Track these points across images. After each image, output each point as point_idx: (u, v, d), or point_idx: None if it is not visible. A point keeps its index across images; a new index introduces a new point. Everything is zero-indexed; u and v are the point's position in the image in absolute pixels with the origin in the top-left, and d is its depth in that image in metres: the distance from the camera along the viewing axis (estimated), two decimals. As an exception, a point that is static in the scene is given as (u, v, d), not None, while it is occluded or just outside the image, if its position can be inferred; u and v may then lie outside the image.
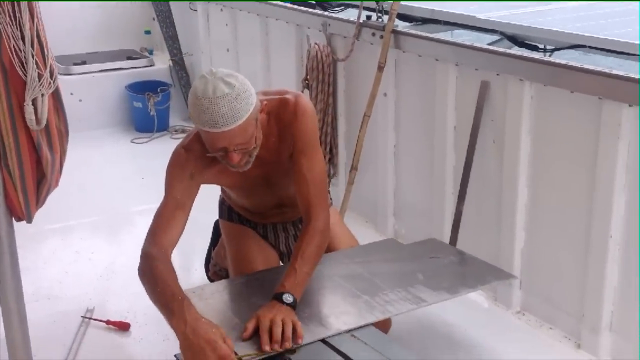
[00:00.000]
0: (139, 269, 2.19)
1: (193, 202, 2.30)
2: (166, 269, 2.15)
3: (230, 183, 2.50)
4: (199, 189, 2.32)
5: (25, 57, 1.89)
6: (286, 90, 2.39)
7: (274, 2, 4.65)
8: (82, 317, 3.11)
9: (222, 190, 2.76)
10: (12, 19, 1.85)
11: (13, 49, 1.87)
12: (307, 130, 2.34)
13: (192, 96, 2.08)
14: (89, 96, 5.62)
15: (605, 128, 2.68)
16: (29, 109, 1.94)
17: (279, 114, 2.30)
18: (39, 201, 2.13)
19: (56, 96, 2.07)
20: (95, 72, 5.73)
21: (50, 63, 1.96)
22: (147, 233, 2.26)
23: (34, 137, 2.00)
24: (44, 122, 1.98)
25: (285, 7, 4.53)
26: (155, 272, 2.13)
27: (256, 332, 2.05)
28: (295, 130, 2.31)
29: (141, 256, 2.21)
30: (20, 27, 1.86)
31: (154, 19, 6.06)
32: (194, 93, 2.08)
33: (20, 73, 1.90)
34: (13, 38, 1.86)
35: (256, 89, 2.21)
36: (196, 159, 2.26)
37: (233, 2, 5.02)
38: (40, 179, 2.09)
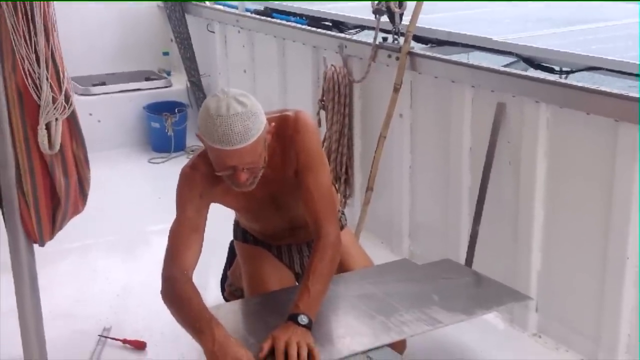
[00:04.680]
0: (162, 293, 2.21)
1: (206, 220, 2.32)
2: (190, 288, 2.17)
3: (237, 205, 2.50)
4: (209, 207, 2.34)
5: (39, 80, 1.86)
6: (286, 109, 2.40)
7: (291, 24, 4.70)
8: (99, 335, 3.12)
9: (236, 213, 2.77)
10: (27, 40, 1.82)
11: (27, 72, 1.85)
12: (310, 145, 2.33)
13: (204, 114, 2.10)
14: (107, 116, 5.68)
15: (622, 150, 2.68)
16: (42, 132, 1.92)
17: (280, 131, 2.30)
18: (55, 227, 2.11)
19: (72, 121, 2.05)
20: (114, 92, 5.80)
21: (66, 87, 1.94)
22: (165, 256, 2.26)
23: (47, 162, 1.98)
24: (56, 147, 1.97)
25: (302, 29, 4.57)
26: (179, 294, 2.16)
27: (272, 353, 2.05)
28: (298, 146, 2.31)
29: (162, 279, 2.22)
30: (35, 48, 1.84)
31: (172, 41, 6.13)
32: (206, 111, 2.09)
33: (34, 96, 1.89)
34: (27, 60, 1.84)
35: (273, 109, 2.23)
36: (203, 178, 2.28)
37: (249, 21, 5.07)
38: (56, 206, 2.07)
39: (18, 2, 1.78)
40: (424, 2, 3.53)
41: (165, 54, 6.43)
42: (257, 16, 5.16)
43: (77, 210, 2.16)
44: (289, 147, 2.32)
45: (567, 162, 2.94)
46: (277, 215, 2.54)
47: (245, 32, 5.20)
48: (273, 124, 2.23)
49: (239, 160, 2.12)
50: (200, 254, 2.29)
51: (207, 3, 5.86)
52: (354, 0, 5.28)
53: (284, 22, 4.85)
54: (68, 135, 2.02)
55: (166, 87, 6.01)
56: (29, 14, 1.80)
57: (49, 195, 2.04)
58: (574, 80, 3.06)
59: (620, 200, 2.71)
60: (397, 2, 3.65)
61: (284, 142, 2.32)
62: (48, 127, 1.93)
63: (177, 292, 2.16)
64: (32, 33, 1.82)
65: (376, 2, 3.71)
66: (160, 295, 2.21)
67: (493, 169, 3.19)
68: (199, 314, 2.09)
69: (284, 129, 2.31)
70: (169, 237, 2.29)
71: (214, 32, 5.64)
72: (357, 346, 2.16)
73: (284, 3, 5.34)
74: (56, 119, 1.93)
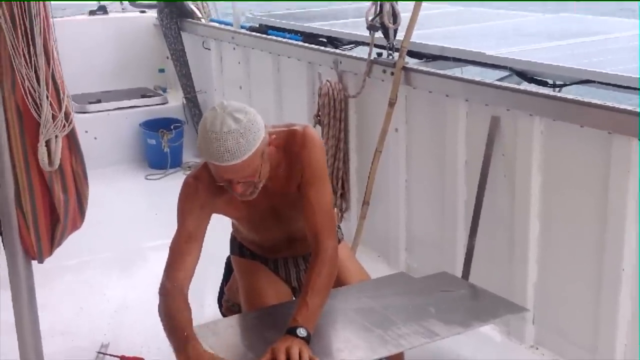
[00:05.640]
0: (158, 306, 2.25)
1: (205, 231, 2.35)
2: (176, 305, 2.21)
3: (238, 215, 2.52)
4: (210, 218, 2.36)
5: (39, 99, 1.89)
6: (294, 123, 2.43)
7: (286, 40, 4.73)
8: (97, 352, 3.12)
9: (233, 225, 2.78)
10: (27, 60, 1.85)
11: (27, 90, 1.87)
12: (315, 161, 2.36)
13: (202, 128, 2.13)
14: (104, 134, 5.69)
15: (616, 162, 2.70)
16: (42, 149, 1.95)
17: (287, 145, 2.34)
18: (54, 243, 2.13)
19: (72, 138, 2.07)
20: (110, 110, 5.82)
21: (66, 105, 1.96)
22: (164, 268, 2.30)
23: (46, 179, 2.00)
24: (56, 164, 1.99)
25: (298, 45, 4.60)
26: (166, 309, 2.22)
27: (271, 366, 2.06)
28: (303, 161, 2.34)
29: (159, 293, 2.27)
30: (35, 68, 1.87)
31: (167, 58, 6.16)
32: (203, 125, 2.13)
33: (35, 114, 1.91)
34: (27, 79, 1.87)
35: (281, 123, 2.25)
36: (206, 189, 2.30)
37: (244, 37, 5.10)
38: (56, 222, 2.09)
39: (18, 24, 1.81)
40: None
41: (161, 71, 6.45)
42: (253, 33, 5.19)
43: (75, 226, 2.17)
44: (295, 161, 2.34)
45: (562, 175, 2.96)
46: (277, 226, 2.56)
47: (240, 49, 5.23)
48: (274, 136, 2.25)
49: (234, 174, 2.15)
50: (198, 263, 2.31)
51: (203, 20, 5.90)
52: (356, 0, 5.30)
53: (279, 38, 4.88)
54: (67, 152, 2.04)
55: (162, 104, 6.03)
56: (29, 34, 1.83)
57: (48, 212, 2.05)
58: (567, 93, 3.09)
59: (615, 212, 2.73)
60: (392, 17, 3.69)
61: (290, 156, 2.34)
62: (48, 144, 1.95)
63: (165, 306, 2.22)
64: (32, 53, 1.85)
65: (370, 17, 3.74)
66: (157, 311, 2.25)
67: (488, 182, 3.21)
68: (178, 331, 2.13)
69: (291, 144, 2.34)
70: (169, 248, 2.33)
71: (209, 49, 5.67)
72: (355, 359, 2.16)
73: (280, 21, 5.37)
74: (56, 136, 1.95)
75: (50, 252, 2.16)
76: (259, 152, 2.15)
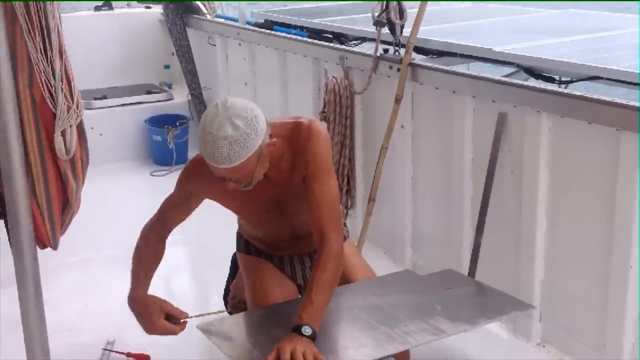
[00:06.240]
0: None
1: (193, 210, 2.50)
2: (148, 250, 2.50)
3: (236, 205, 2.51)
4: (200, 202, 2.48)
5: (55, 91, 1.98)
6: (300, 116, 2.42)
7: (292, 36, 4.71)
8: (103, 349, 3.12)
9: (238, 222, 2.78)
10: (44, 56, 1.95)
11: (45, 84, 1.97)
12: (320, 154, 2.35)
13: (201, 123, 2.16)
14: (109, 130, 5.69)
15: (624, 159, 2.69)
16: (58, 139, 2.03)
17: (292, 137, 2.33)
18: (63, 227, 2.21)
19: (80, 127, 2.15)
20: (115, 106, 5.81)
21: (77, 96, 2.07)
22: (150, 218, 2.54)
23: (61, 167, 2.08)
24: (72, 152, 2.08)
25: (303, 41, 4.59)
26: (138, 249, 2.52)
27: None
28: (308, 153, 2.33)
29: (140, 234, 2.54)
30: (50, 63, 1.96)
31: (173, 54, 6.15)
32: (203, 121, 2.15)
33: (51, 106, 2.00)
34: (44, 73, 1.96)
35: (287, 116, 2.25)
36: (204, 175, 2.29)
37: (250, 33, 5.09)
38: (64, 206, 2.17)
39: (34, 21, 1.91)
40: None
41: (167, 67, 6.45)
42: (258, 29, 5.18)
43: (77, 211, 2.25)
44: (299, 153, 2.34)
45: (569, 171, 2.94)
46: (281, 221, 2.55)
47: (246, 45, 5.22)
48: (275, 140, 2.23)
49: (226, 174, 2.17)
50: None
51: (208, 16, 5.89)
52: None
53: (284, 34, 4.87)
54: (77, 140, 2.11)
55: (167, 100, 6.02)
56: (45, 30, 1.93)
57: (61, 199, 2.14)
58: (574, 89, 3.07)
59: (623, 209, 2.71)
60: (398, 13, 3.68)
61: (295, 148, 2.34)
62: (63, 134, 2.04)
63: (138, 246, 2.51)
64: (48, 48, 1.95)
65: (377, 14, 3.73)
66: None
67: (495, 179, 3.20)
68: (136, 270, 2.48)
69: (297, 136, 2.34)
70: (160, 206, 2.53)
71: (215, 45, 5.66)
72: (361, 357, 2.16)
73: (285, 16, 5.36)
74: (70, 126, 2.04)
75: (59, 238, 2.22)
76: (254, 157, 2.15)
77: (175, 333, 2.40)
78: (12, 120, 1.94)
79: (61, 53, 1.98)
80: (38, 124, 2.01)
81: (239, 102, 2.16)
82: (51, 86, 1.97)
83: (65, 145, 2.04)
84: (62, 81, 1.99)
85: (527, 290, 3.11)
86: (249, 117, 2.12)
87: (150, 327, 2.40)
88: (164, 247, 2.53)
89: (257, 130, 2.13)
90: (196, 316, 2.45)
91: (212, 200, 2.47)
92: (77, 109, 2.05)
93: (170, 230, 2.53)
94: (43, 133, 2.02)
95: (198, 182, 2.35)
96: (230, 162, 2.10)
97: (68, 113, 2.02)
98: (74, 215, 2.24)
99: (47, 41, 1.93)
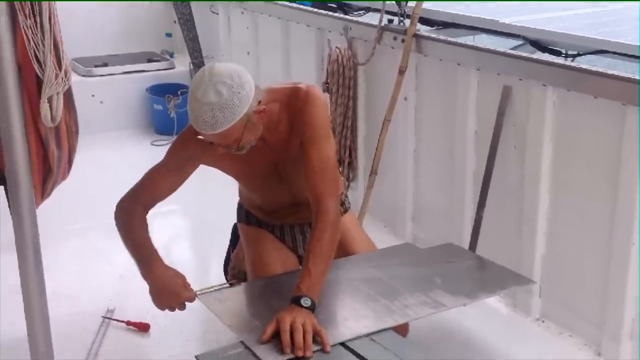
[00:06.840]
0: (115, 216, 2.41)
1: (186, 178, 2.41)
2: (140, 222, 2.37)
3: (233, 170, 2.49)
4: (195, 168, 2.41)
5: (43, 58, 1.95)
6: (299, 82, 2.40)
7: (296, 5, 4.66)
8: (102, 317, 3.13)
9: (239, 191, 2.76)
10: (34, 21, 1.91)
11: (32, 50, 1.92)
12: (317, 119, 2.32)
13: (190, 87, 2.15)
14: (109, 98, 5.66)
15: (629, 134, 2.66)
16: (44, 106, 2.02)
17: (289, 101, 2.32)
18: (45, 194, 2.20)
19: (68, 95, 2.14)
20: (116, 74, 5.77)
21: (65, 63, 2.03)
22: (131, 188, 2.44)
23: (42, 134, 2.05)
24: (58, 120, 2.08)
25: (307, 10, 4.53)
26: (128, 222, 2.38)
27: (276, 335, 2.05)
28: (305, 118, 2.31)
29: (118, 206, 2.42)
30: (40, 29, 1.92)
31: (175, 22, 6.10)
32: (191, 85, 2.15)
33: (39, 73, 1.96)
34: (33, 40, 1.92)
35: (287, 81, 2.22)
36: (199, 142, 2.26)
37: (253, 2, 5.03)
38: (47, 174, 2.15)
39: None
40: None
41: (169, 35, 6.39)
42: (261, -3, 5.13)
43: (64, 178, 2.26)
44: (297, 117, 2.32)
45: (574, 146, 2.92)
46: (280, 186, 2.53)
47: (249, 14, 5.16)
48: (264, 107, 2.20)
49: (213, 139, 2.17)
50: (164, 199, 2.43)
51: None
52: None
53: (288, 3, 4.82)
54: (64, 108, 2.08)
55: (169, 68, 5.98)
56: None
57: (42, 166, 2.14)
58: (581, 63, 3.04)
59: (627, 185, 2.69)
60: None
61: (293, 112, 2.32)
62: (50, 101, 2.02)
63: (129, 221, 2.37)
64: (37, 12, 1.90)
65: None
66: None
67: (498, 153, 3.18)
68: (143, 248, 2.33)
69: (295, 100, 2.32)
70: (146, 173, 2.46)
71: (217, 14, 5.60)
72: (361, 329, 2.15)
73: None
74: (57, 93, 2.02)
75: (40, 202, 2.20)
76: (239, 124, 2.13)
77: (191, 300, 2.35)
78: (12, 87, 1.91)
79: (50, 18, 1.93)
80: (21, 89, 1.93)
81: (224, 68, 2.12)
82: (39, 53, 1.93)
83: (51, 112, 2.01)
84: (49, 47, 1.95)
85: (527, 265, 3.10)
86: (234, 84, 2.09)
87: (174, 299, 2.33)
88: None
89: (242, 98, 2.10)
90: (200, 291, 2.40)
91: (210, 167, 2.44)
92: (65, 76, 2.01)
93: (152, 207, 2.44)
94: (25, 99, 1.97)
95: (197, 145, 2.30)
96: (213, 129, 2.09)
97: (55, 80, 1.98)
98: (58, 182, 2.22)
99: (35, 5, 1.88)
